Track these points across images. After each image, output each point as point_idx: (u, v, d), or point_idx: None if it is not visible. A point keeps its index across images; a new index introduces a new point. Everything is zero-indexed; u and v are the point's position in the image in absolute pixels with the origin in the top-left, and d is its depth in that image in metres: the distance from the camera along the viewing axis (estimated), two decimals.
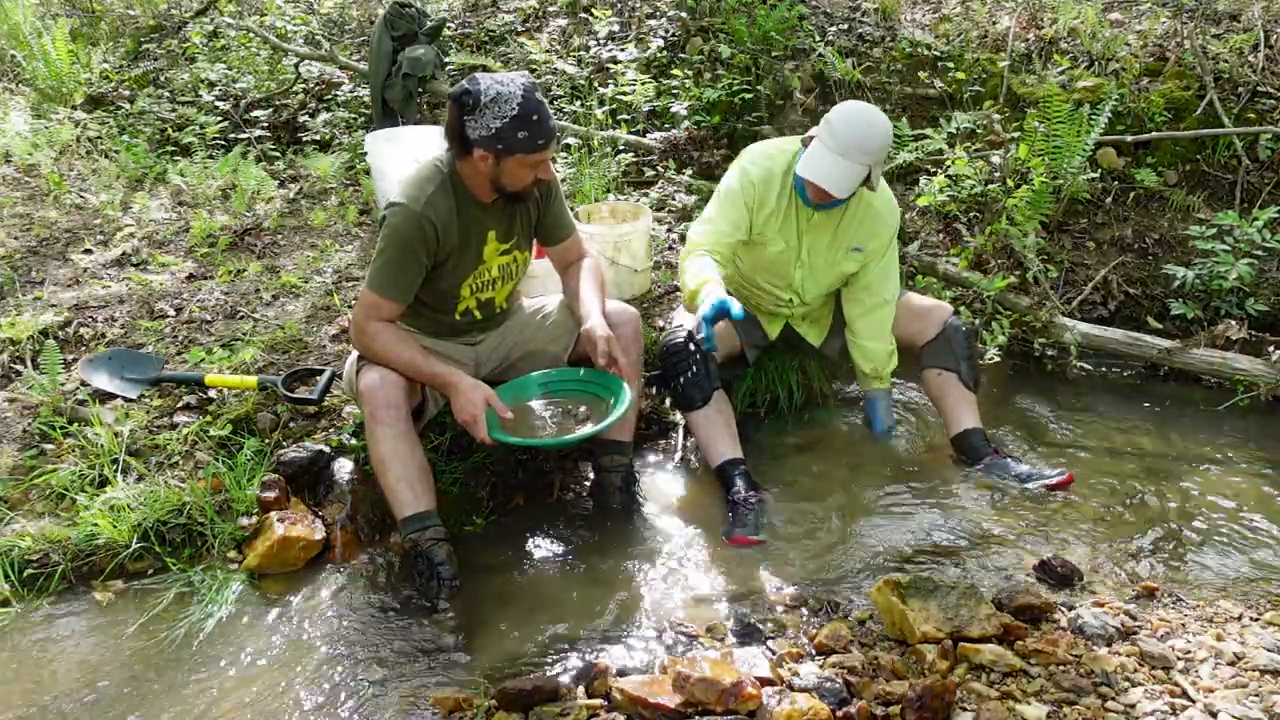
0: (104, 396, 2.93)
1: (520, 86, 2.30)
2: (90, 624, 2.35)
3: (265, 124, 5.11)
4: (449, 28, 5.48)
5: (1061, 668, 2.05)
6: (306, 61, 5.40)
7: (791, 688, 1.99)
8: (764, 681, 2.01)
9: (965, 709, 1.92)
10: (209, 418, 2.85)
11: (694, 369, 2.86)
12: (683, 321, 2.97)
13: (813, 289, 3.03)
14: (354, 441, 2.78)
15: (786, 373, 3.31)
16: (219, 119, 4.93)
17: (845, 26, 4.98)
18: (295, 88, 5.32)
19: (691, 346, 2.86)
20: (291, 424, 2.88)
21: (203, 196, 4.33)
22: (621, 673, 2.09)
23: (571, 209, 2.94)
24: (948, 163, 4.03)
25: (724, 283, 2.67)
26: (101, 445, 2.70)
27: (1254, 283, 3.72)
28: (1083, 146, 3.79)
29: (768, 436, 3.11)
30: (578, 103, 4.73)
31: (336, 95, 5.28)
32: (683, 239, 4.00)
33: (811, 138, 2.74)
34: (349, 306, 3.40)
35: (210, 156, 4.67)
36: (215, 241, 3.93)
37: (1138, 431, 3.32)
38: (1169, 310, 3.78)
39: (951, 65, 4.59)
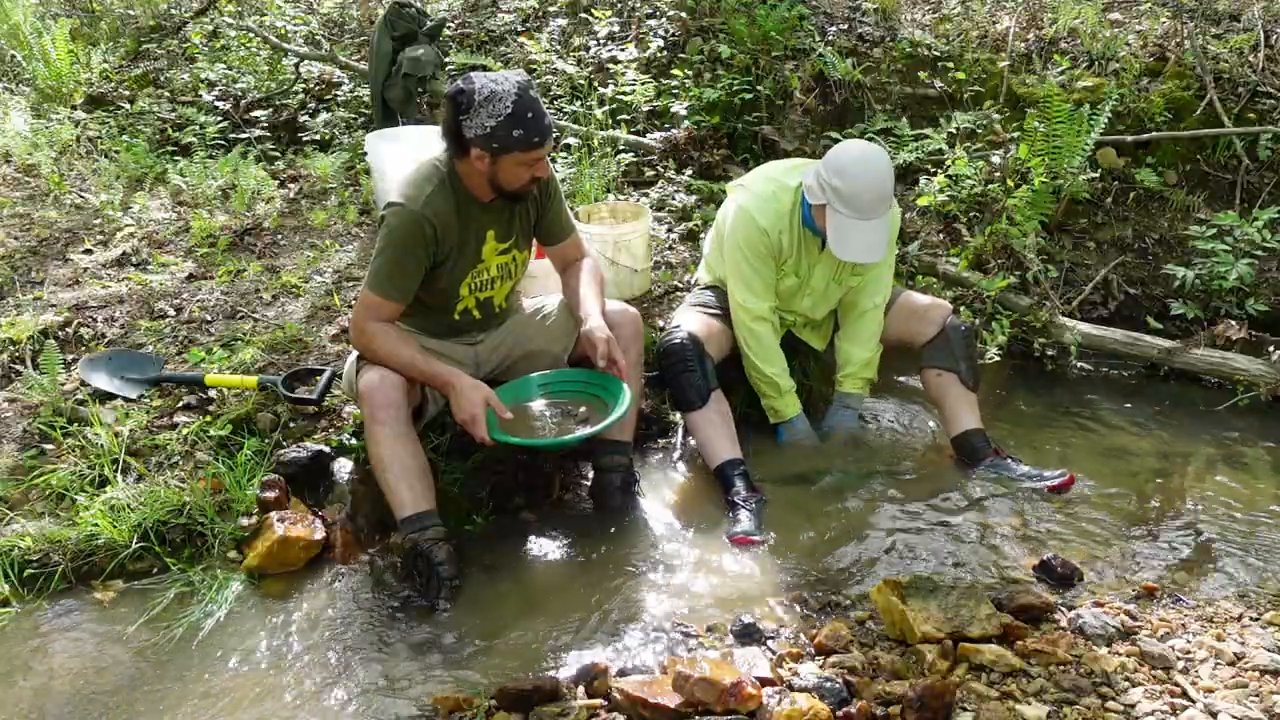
0: (104, 396, 2.93)
1: (514, 85, 2.30)
2: (90, 624, 2.35)
3: (265, 124, 5.10)
4: (449, 28, 5.48)
5: (1061, 668, 2.05)
6: (306, 61, 5.39)
7: (791, 688, 1.99)
8: (764, 681, 2.01)
9: (965, 709, 1.92)
10: (209, 418, 2.85)
11: (692, 369, 2.86)
12: (681, 322, 2.98)
13: (823, 308, 3.07)
14: (354, 441, 2.78)
15: None
16: (219, 119, 4.93)
17: (845, 26, 4.98)
18: (295, 88, 5.32)
19: (689, 347, 2.86)
20: (291, 424, 2.88)
21: (203, 196, 4.32)
22: (621, 673, 2.09)
23: (571, 209, 2.94)
24: (948, 163, 4.03)
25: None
26: (101, 445, 2.70)
27: (1254, 283, 3.72)
28: (1083, 146, 3.79)
29: (767, 437, 3.10)
30: (578, 103, 4.73)
31: (336, 95, 5.27)
32: (683, 239, 4.02)
33: (820, 204, 2.71)
34: (349, 306, 3.40)
35: (210, 156, 4.66)
36: (215, 241, 3.93)
37: (1138, 431, 3.32)
38: (1169, 310, 3.78)
39: (951, 65, 4.58)
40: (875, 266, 2.93)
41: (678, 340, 2.89)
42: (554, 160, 4.25)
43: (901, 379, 3.50)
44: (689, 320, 2.97)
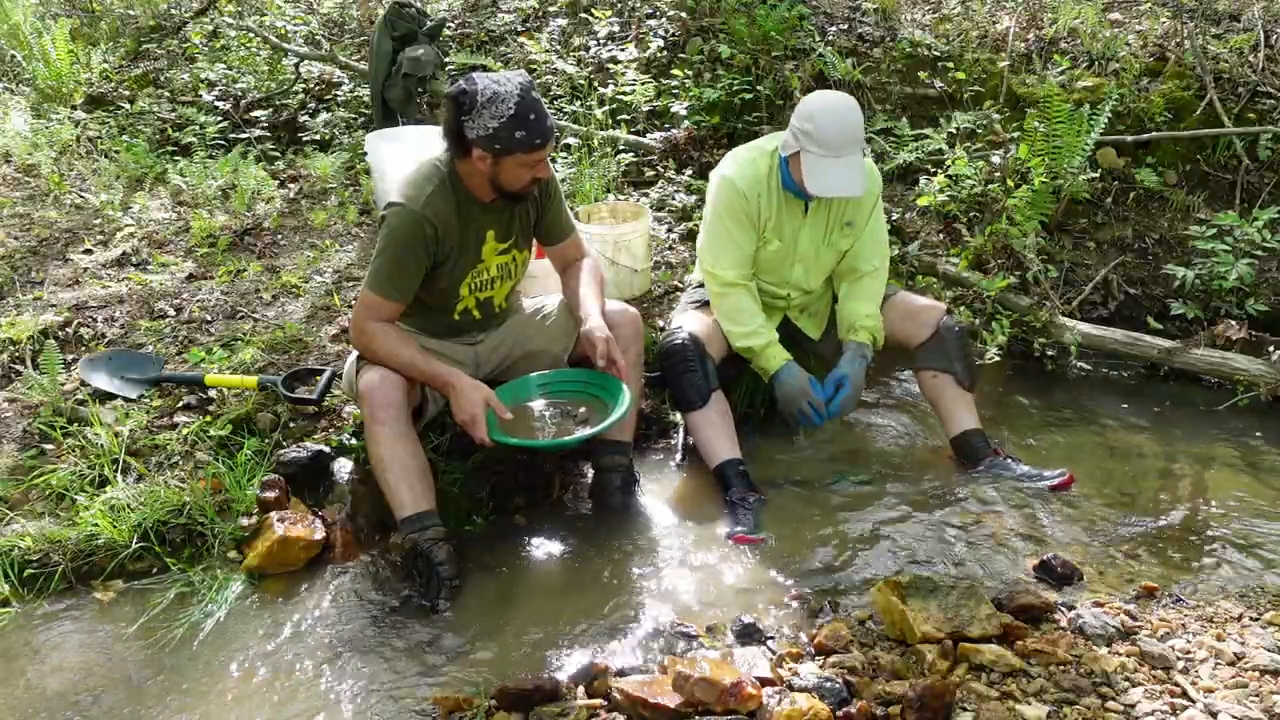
0: (104, 396, 2.93)
1: (517, 85, 2.30)
2: (90, 624, 2.35)
3: (265, 124, 5.11)
4: (449, 28, 5.48)
5: (1061, 668, 2.05)
6: (306, 61, 5.40)
7: (791, 688, 1.99)
8: (764, 681, 2.01)
9: (965, 709, 1.92)
10: (209, 418, 2.85)
11: (693, 370, 2.86)
12: (681, 323, 2.98)
13: (817, 276, 3.05)
14: (354, 441, 2.78)
15: None
16: (219, 119, 4.93)
17: (845, 26, 4.98)
18: (295, 88, 5.32)
19: (690, 347, 2.86)
20: (291, 424, 2.88)
21: (203, 196, 4.33)
22: (621, 673, 2.09)
23: (571, 209, 2.94)
24: (948, 163, 4.03)
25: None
26: (101, 445, 2.70)
27: (1254, 283, 3.72)
28: (1083, 146, 3.79)
29: (767, 437, 3.10)
30: (577, 103, 4.73)
31: (336, 95, 5.28)
32: (683, 239, 4.02)
33: (795, 152, 2.72)
34: (349, 306, 3.40)
35: (210, 156, 4.67)
36: (215, 241, 3.93)
37: (1138, 431, 3.32)
38: (1169, 310, 3.77)
39: (951, 65, 4.58)
40: (864, 228, 2.94)
41: (679, 340, 2.89)
42: (554, 160, 4.25)
43: (899, 380, 3.50)
44: (689, 321, 2.97)
